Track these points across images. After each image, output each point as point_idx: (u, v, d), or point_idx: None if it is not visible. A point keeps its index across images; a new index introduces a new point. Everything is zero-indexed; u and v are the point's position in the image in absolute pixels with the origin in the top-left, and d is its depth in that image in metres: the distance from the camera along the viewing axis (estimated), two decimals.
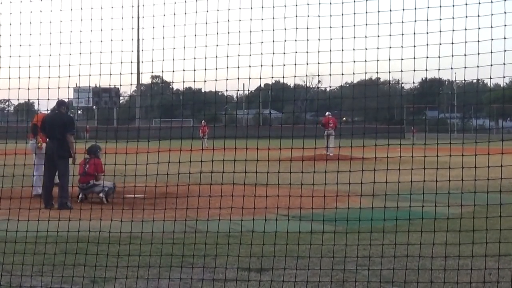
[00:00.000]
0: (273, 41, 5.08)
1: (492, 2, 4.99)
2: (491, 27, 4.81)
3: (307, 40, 5.01)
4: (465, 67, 5.03)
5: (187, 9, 5.22)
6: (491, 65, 4.72)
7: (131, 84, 5.96)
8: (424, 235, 5.18)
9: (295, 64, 5.09)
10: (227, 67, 5.20)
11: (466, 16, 4.80)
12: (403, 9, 4.96)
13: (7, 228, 5.54)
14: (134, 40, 6.00)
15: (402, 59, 4.97)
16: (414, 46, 4.90)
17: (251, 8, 5.04)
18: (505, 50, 4.79)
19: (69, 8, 5.57)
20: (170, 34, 5.23)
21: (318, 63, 5.10)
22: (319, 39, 5.00)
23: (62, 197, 10.23)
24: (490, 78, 4.88)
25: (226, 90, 5.49)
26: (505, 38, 4.80)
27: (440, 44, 4.83)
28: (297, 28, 5.04)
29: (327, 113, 26.56)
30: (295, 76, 5.39)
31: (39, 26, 5.57)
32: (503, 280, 5.10)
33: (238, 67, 5.17)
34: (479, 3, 4.92)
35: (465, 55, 4.97)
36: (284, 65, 5.09)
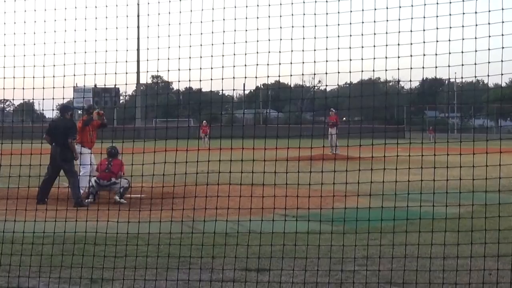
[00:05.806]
0: (269, 40, 5.04)
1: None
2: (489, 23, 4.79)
3: (303, 38, 4.98)
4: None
5: (182, 7, 5.19)
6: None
7: (126, 84, 5.86)
8: (424, 235, 5.14)
9: (290, 63, 5.05)
10: (224, 66, 5.17)
11: (463, 13, 4.77)
12: (399, 7, 4.91)
13: (4, 228, 5.51)
14: (133, 39, 5.95)
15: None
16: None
17: (246, 6, 5.01)
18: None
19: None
20: (166, 33, 5.20)
21: (317, 62, 5.07)
22: (314, 38, 4.97)
23: (77, 196, 10.45)
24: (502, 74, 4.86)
25: (228, 90, 5.47)
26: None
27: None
28: (292, 27, 5.00)
29: (332, 109, 25.70)
30: (292, 75, 5.35)
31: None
32: (503, 281, 5.06)
33: (237, 66, 5.14)
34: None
35: (463, 51, 4.93)
36: (280, 64, 5.05)
